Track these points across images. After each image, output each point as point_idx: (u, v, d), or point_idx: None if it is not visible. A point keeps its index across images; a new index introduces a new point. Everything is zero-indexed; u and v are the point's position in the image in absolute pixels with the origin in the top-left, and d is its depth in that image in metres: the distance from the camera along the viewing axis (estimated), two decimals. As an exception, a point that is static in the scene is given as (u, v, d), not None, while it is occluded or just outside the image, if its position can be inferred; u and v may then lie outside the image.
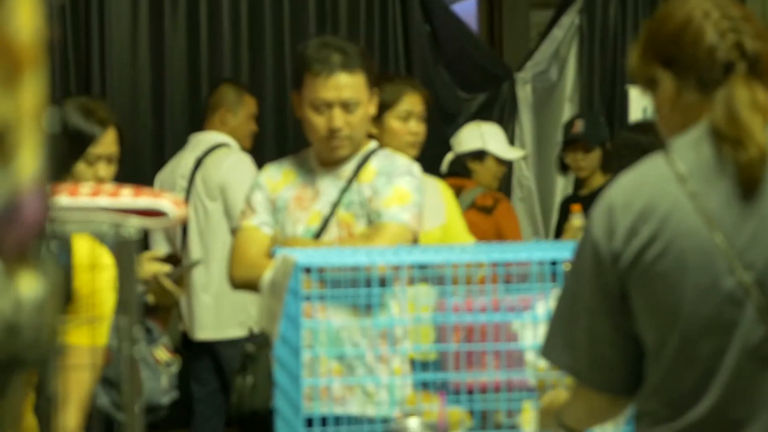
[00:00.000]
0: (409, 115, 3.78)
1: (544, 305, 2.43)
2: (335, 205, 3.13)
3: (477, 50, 6.50)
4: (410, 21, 6.38)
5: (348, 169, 3.17)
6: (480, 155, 4.89)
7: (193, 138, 5.20)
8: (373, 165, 3.17)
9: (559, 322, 1.86)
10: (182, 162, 5.10)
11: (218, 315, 4.87)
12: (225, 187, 4.86)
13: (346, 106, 3.11)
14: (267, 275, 2.43)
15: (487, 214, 4.74)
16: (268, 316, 2.41)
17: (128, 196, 1.53)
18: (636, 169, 1.80)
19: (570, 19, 6.44)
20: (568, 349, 1.84)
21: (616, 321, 1.77)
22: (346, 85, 3.12)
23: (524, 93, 6.48)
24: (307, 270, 2.32)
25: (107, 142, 3.12)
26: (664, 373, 1.73)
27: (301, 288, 2.22)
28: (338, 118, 3.11)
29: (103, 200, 1.52)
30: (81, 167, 3.09)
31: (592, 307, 1.79)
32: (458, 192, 4.78)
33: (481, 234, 4.33)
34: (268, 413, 3.12)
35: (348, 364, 2.91)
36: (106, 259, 2.31)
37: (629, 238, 1.72)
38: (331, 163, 3.19)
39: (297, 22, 6.18)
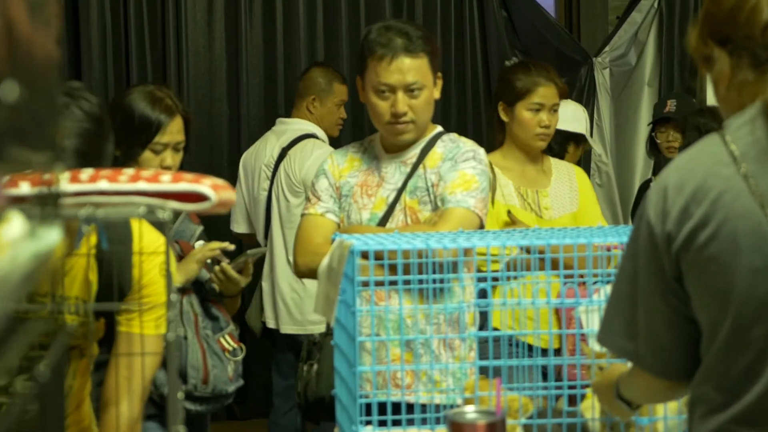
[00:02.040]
0: (540, 107, 3.75)
1: (606, 291, 2.39)
2: (400, 192, 3.11)
3: (554, 35, 6.44)
4: (487, 7, 6.34)
5: (413, 154, 3.15)
6: (579, 140, 4.72)
7: (280, 124, 5.15)
8: (438, 150, 3.15)
9: (615, 307, 1.83)
10: (267, 148, 5.06)
11: (302, 310, 4.87)
12: (308, 184, 4.82)
13: (410, 90, 3.08)
14: (324, 261, 2.42)
15: None
16: (324, 301, 2.40)
17: (167, 181, 1.52)
18: (690, 150, 1.76)
19: (649, 2, 6.35)
20: (625, 335, 1.80)
21: (673, 304, 1.73)
22: (409, 68, 3.08)
23: (602, 78, 6.41)
24: (365, 255, 2.31)
25: (174, 131, 3.13)
26: (718, 358, 1.69)
27: (357, 274, 2.21)
28: (401, 102, 3.09)
29: (142, 185, 1.51)
30: (147, 156, 3.11)
31: (649, 290, 1.75)
32: None
33: None
34: (332, 400, 3.12)
35: (415, 351, 2.89)
36: (164, 247, 2.31)
37: (682, 220, 1.68)
38: (395, 149, 3.17)
39: (372, 8, 6.18)
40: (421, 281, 2.28)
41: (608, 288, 2.40)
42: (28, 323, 1.03)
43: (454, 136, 3.22)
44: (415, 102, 3.09)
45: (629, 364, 1.89)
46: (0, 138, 0.79)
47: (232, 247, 3.20)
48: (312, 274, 3.21)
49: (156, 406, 2.97)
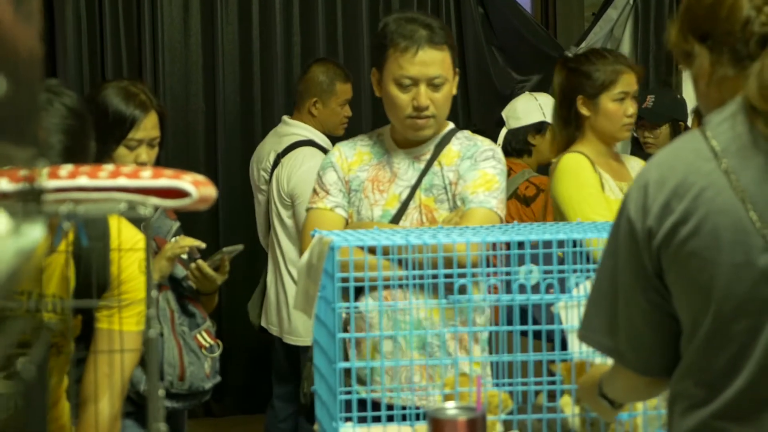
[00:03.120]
0: (624, 96, 3.61)
1: (584, 287, 2.39)
2: (415, 188, 3.04)
3: (531, 31, 6.45)
4: (463, 3, 6.35)
5: (427, 150, 3.08)
6: (540, 128, 4.80)
7: (283, 124, 5.02)
8: (454, 147, 3.07)
9: (596, 303, 1.82)
10: (264, 151, 4.97)
11: (306, 322, 4.81)
12: (294, 197, 4.73)
13: (433, 84, 3.00)
14: (304, 257, 2.41)
15: (525, 206, 4.66)
16: (304, 298, 2.39)
17: (147, 177, 1.51)
18: (671, 146, 1.76)
19: (624, -2, 6.37)
20: (606, 331, 1.80)
21: (653, 300, 1.74)
22: (433, 61, 3.00)
23: (579, 74, 6.42)
24: (372, 250, 2.30)
25: (148, 127, 3.11)
26: (698, 353, 1.70)
27: (336, 270, 2.20)
28: (424, 95, 3.00)
29: (122, 181, 1.50)
30: (122, 152, 3.09)
31: (629, 286, 1.75)
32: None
33: None
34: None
35: (431, 353, 2.85)
36: (142, 244, 2.30)
37: (663, 216, 1.68)
38: (408, 144, 3.09)
39: (349, 8, 6.16)
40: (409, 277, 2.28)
41: (588, 284, 2.41)
42: (9, 321, 1.02)
43: (468, 133, 3.16)
44: (437, 96, 3.01)
45: (611, 362, 1.90)
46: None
47: (203, 245, 3.18)
48: None
49: (133, 403, 2.95)
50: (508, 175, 4.71)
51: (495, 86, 6.41)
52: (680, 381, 1.74)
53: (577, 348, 2.41)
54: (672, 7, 6.33)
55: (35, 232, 0.91)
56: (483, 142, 3.10)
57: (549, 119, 4.77)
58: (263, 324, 4.97)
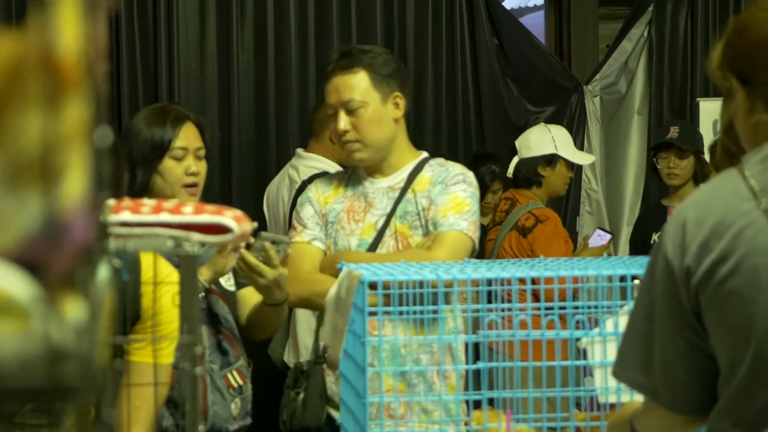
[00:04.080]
0: None
1: (614, 322, 2.39)
2: (390, 217, 3.07)
3: (545, 63, 6.46)
4: (478, 34, 6.35)
5: (400, 179, 3.11)
6: (551, 160, 4.82)
7: (297, 158, 4.94)
8: (426, 174, 3.10)
9: (631, 341, 1.82)
10: (284, 185, 4.90)
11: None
12: None
13: (348, 108, 3.04)
14: (331, 290, 2.41)
15: (522, 237, 4.68)
16: (332, 332, 2.39)
17: (189, 212, 1.51)
18: (709, 184, 1.76)
19: (639, 31, 6.38)
20: (641, 369, 1.79)
21: (690, 339, 1.73)
22: (345, 86, 3.04)
23: (593, 106, 6.44)
24: (372, 286, 2.30)
25: (190, 136, 3.01)
26: (737, 394, 1.69)
27: (366, 304, 2.20)
28: (340, 121, 3.05)
29: (165, 216, 1.50)
30: (169, 164, 2.97)
31: (666, 324, 1.74)
32: (510, 208, 4.73)
33: (513, 257, 4.28)
34: (318, 430, 3.06)
35: (409, 381, 2.87)
36: (174, 277, 2.28)
37: (702, 255, 1.68)
38: (382, 174, 3.12)
39: (364, 34, 6.17)
40: (417, 312, 2.27)
41: (612, 320, 2.40)
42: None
43: (441, 160, 3.19)
44: (356, 120, 3.04)
45: (644, 399, 1.89)
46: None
47: (255, 223, 3.00)
48: (304, 303, 3.16)
49: None
50: (514, 206, 4.72)
51: (509, 117, 6.42)
52: (717, 421, 1.73)
53: (600, 384, 2.40)
54: (686, 40, 6.33)
55: (103, 272, 0.90)
56: (454, 167, 3.14)
57: (561, 152, 4.78)
58: (287, 359, 4.89)
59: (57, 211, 0.84)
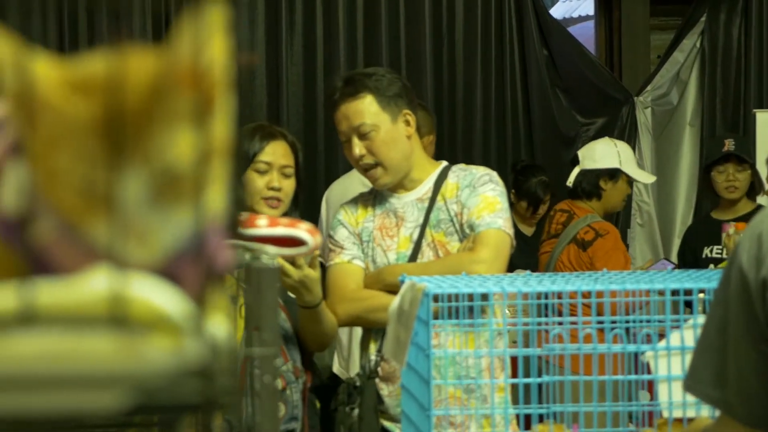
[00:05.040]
0: None
1: (679, 336, 2.36)
2: (424, 227, 3.09)
3: (596, 74, 6.43)
4: (528, 45, 6.33)
5: (426, 189, 3.13)
6: (614, 174, 4.79)
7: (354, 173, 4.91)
8: (452, 180, 3.12)
9: (704, 354, 1.79)
10: (350, 191, 4.84)
11: None
12: None
13: (360, 133, 3.05)
14: (394, 303, 2.40)
15: (581, 250, 4.65)
16: (395, 344, 2.37)
17: (264, 225, 1.51)
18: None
19: (691, 41, 6.34)
20: (714, 383, 1.77)
21: (765, 352, 1.70)
22: (353, 111, 3.05)
23: (644, 117, 6.40)
24: (435, 298, 2.28)
25: (278, 152, 3.02)
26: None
27: (431, 316, 2.18)
28: (355, 146, 3.06)
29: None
30: (251, 176, 2.98)
31: (740, 337, 1.72)
32: (568, 221, 4.70)
33: (572, 271, 4.25)
34: (375, 446, 3.07)
35: (466, 386, 2.87)
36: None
37: (778, 268, 1.65)
38: (405, 189, 3.14)
39: (413, 49, 6.17)
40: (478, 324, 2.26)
41: (677, 334, 2.37)
42: None
43: (462, 165, 3.21)
44: (370, 143, 3.05)
45: (717, 414, 1.86)
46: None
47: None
48: (355, 320, 3.18)
49: None
50: (571, 219, 4.69)
51: (559, 128, 6.39)
52: (795, 436, 1.71)
53: (665, 398, 2.38)
54: (740, 50, 6.29)
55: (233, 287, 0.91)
56: (478, 169, 3.15)
57: (625, 167, 4.74)
58: (336, 369, 4.87)
59: (199, 226, 0.85)
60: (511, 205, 5.60)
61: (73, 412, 0.76)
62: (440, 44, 6.25)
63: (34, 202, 0.83)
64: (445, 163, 3.21)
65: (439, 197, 3.10)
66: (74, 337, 0.76)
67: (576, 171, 4.86)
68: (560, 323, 2.34)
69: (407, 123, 3.11)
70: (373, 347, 3.12)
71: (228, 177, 0.83)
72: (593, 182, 4.77)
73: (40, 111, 0.81)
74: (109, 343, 0.77)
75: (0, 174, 0.87)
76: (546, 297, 2.48)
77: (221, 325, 0.81)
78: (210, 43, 0.81)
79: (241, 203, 0.85)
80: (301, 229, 1.51)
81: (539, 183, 5.52)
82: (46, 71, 0.84)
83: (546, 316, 2.55)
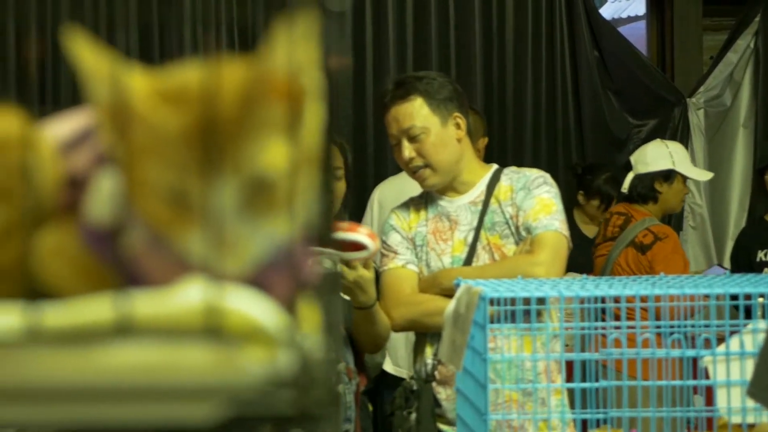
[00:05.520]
0: None
1: (738, 340, 2.33)
2: (478, 230, 3.08)
3: (647, 75, 6.38)
4: (578, 46, 6.30)
5: (479, 192, 3.13)
6: (668, 176, 4.75)
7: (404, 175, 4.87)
8: (505, 183, 3.12)
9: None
10: (405, 191, 4.83)
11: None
12: None
13: (410, 136, 3.07)
14: (449, 307, 2.39)
15: (641, 254, 4.61)
16: (451, 348, 2.36)
17: (326, 229, 1.50)
18: None
19: (745, 42, 6.28)
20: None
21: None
22: (403, 114, 3.07)
23: (696, 118, 6.34)
24: (492, 302, 2.27)
25: None
26: None
27: (487, 320, 2.17)
28: (405, 149, 3.08)
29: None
30: None
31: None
32: (625, 224, 4.67)
33: (630, 274, 4.21)
34: (435, 451, 3.07)
35: (524, 393, 2.86)
36: None
37: None
38: (457, 192, 3.15)
39: (463, 51, 6.16)
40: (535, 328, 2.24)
41: (737, 339, 2.35)
42: None
43: (514, 168, 3.22)
44: (420, 146, 3.07)
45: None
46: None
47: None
48: (412, 325, 3.18)
49: None
50: (629, 222, 4.66)
51: (610, 130, 6.35)
52: None
53: (724, 404, 2.35)
54: (794, 51, 6.22)
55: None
56: (531, 172, 3.17)
57: (679, 168, 4.71)
58: (388, 367, 4.85)
59: (289, 236, 0.85)
60: (579, 206, 5.61)
61: (167, 424, 0.76)
62: (490, 47, 6.23)
63: (124, 213, 0.83)
64: (495, 166, 3.20)
65: (492, 200, 3.10)
66: (170, 349, 0.76)
67: (630, 176, 4.83)
68: (618, 327, 2.31)
69: (457, 126, 3.12)
70: (429, 351, 3.12)
71: (316, 186, 0.82)
72: (648, 186, 4.74)
73: (132, 121, 0.81)
74: (205, 355, 0.77)
75: (89, 184, 0.87)
76: (603, 301, 2.47)
77: (313, 336, 0.80)
78: (300, 52, 0.81)
79: (329, 213, 0.85)
80: (362, 234, 1.51)
81: (608, 179, 5.50)
82: (137, 82, 0.84)
83: (603, 320, 2.53)
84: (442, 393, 3.08)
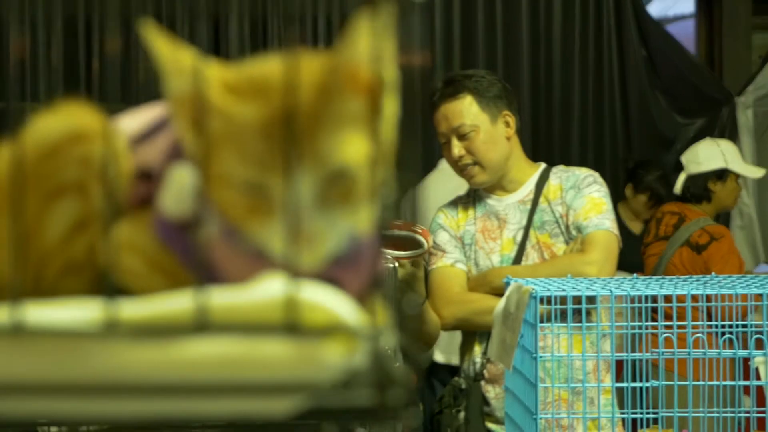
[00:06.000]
0: None
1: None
2: (527, 229, 3.08)
3: (695, 74, 6.34)
4: (626, 44, 6.26)
5: (528, 191, 3.13)
6: (721, 175, 4.73)
7: (442, 170, 4.85)
8: (554, 182, 3.13)
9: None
10: (439, 194, 4.83)
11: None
12: None
13: (459, 134, 3.07)
14: (499, 305, 2.39)
15: (696, 254, 4.58)
16: (501, 347, 2.36)
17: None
18: None
19: (795, 40, 6.22)
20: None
21: None
22: (452, 112, 3.07)
23: (745, 118, 6.28)
24: (542, 300, 2.27)
25: None
26: None
27: (538, 319, 2.17)
28: (454, 147, 3.08)
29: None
30: None
31: None
32: (679, 223, 4.64)
33: (684, 274, 4.19)
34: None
35: (572, 388, 2.85)
36: None
37: None
38: (506, 191, 3.15)
39: (510, 48, 6.14)
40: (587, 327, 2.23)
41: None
42: None
43: (562, 167, 3.22)
44: (469, 144, 3.07)
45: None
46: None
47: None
48: (461, 323, 3.18)
49: None
50: (683, 221, 4.64)
51: (658, 129, 6.32)
52: None
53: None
54: None
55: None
56: (581, 171, 3.16)
57: (731, 166, 4.69)
58: (440, 358, 4.83)
59: (363, 230, 0.85)
60: (625, 201, 5.60)
61: (246, 418, 0.76)
62: (537, 46, 6.21)
63: (199, 207, 0.84)
64: (544, 165, 3.20)
65: (542, 199, 3.10)
66: (249, 343, 0.76)
67: (682, 177, 4.80)
68: (670, 327, 2.31)
69: (507, 124, 3.12)
70: (477, 349, 3.12)
71: (390, 182, 0.82)
72: (702, 185, 4.72)
73: (209, 114, 0.81)
74: (285, 349, 0.77)
75: (162, 178, 0.88)
76: (654, 300, 2.46)
77: (388, 330, 0.81)
78: (380, 45, 0.82)
79: (399, 209, 0.85)
80: (417, 232, 1.51)
81: (660, 177, 5.49)
82: (216, 74, 0.85)
83: (654, 320, 2.52)
84: (491, 392, 3.09)
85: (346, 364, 0.77)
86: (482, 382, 3.10)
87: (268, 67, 0.85)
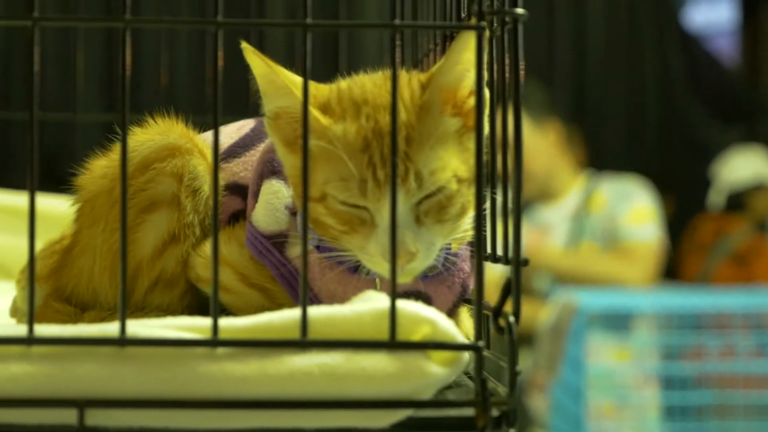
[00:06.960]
0: None
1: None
2: (573, 237, 3.08)
3: (734, 83, 6.30)
4: (666, 53, 6.23)
5: (572, 201, 3.13)
6: (759, 185, 4.70)
7: None
8: (599, 190, 3.18)
9: None
10: None
11: None
12: None
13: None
14: (547, 317, 2.40)
15: (739, 266, 4.55)
16: (548, 359, 2.37)
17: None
18: None
19: (836, 50, 6.18)
20: None
21: None
22: None
23: (783, 127, 6.24)
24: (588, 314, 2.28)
25: None
26: None
27: (584, 331, 2.18)
28: None
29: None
30: None
31: None
32: (717, 233, 4.61)
33: (728, 284, 4.16)
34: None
35: (620, 403, 2.86)
36: None
37: None
38: (550, 199, 3.16)
39: (550, 55, 6.12)
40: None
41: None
42: None
43: (608, 176, 3.28)
44: None
45: None
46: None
47: None
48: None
49: None
50: (722, 230, 4.61)
51: (696, 139, 6.28)
52: None
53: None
54: None
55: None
56: (626, 180, 3.23)
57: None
58: None
59: (454, 246, 0.86)
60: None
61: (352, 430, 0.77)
62: (577, 53, 6.18)
63: (293, 222, 0.85)
64: (589, 173, 3.21)
65: (588, 207, 3.10)
66: (354, 357, 0.77)
67: (719, 187, 4.78)
68: (716, 339, 2.31)
69: (552, 132, 3.12)
70: (523, 360, 3.13)
71: (479, 199, 0.84)
72: (740, 195, 4.69)
73: (306, 131, 0.82)
74: (388, 363, 0.77)
75: (254, 193, 0.89)
76: (699, 313, 2.45)
77: (483, 343, 0.81)
78: (474, 67, 0.82)
79: (484, 226, 0.86)
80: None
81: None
82: (312, 93, 0.86)
83: (698, 332, 2.52)
84: (536, 401, 3.10)
85: (448, 376, 0.78)
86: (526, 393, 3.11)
87: (366, 86, 0.86)
